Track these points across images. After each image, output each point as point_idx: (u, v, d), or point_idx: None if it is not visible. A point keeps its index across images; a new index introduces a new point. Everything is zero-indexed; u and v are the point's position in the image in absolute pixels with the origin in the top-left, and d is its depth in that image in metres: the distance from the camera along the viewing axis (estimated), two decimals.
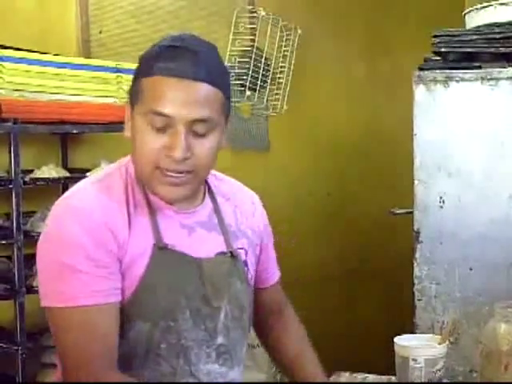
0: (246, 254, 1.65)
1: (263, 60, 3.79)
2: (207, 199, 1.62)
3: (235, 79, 3.63)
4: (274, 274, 1.80)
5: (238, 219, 1.67)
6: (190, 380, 1.52)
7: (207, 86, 1.44)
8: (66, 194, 1.53)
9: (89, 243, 1.42)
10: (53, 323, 1.44)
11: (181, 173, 1.46)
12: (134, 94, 1.48)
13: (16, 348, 2.55)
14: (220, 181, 1.70)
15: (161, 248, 1.49)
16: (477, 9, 2.55)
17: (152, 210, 1.51)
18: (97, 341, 1.40)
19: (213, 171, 1.63)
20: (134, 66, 2.87)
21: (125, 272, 1.47)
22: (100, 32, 3.20)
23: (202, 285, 1.54)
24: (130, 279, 1.47)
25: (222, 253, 1.59)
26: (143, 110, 1.44)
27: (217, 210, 1.63)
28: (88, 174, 2.81)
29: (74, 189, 1.53)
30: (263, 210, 1.77)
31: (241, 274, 1.62)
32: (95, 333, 1.40)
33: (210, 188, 1.64)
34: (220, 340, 1.56)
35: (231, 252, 1.60)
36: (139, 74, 1.48)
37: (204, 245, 1.57)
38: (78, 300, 1.40)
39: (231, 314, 1.59)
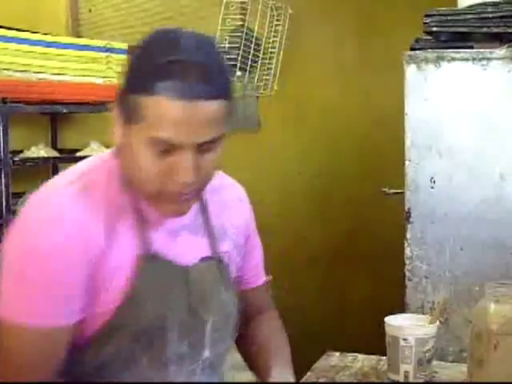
0: (230, 257, 1.55)
1: (254, 40, 3.76)
2: None
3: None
4: (256, 277, 1.68)
5: (223, 218, 1.55)
6: None
7: (217, 102, 1.29)
8: (41, 194, 1.38)
9: (57, 261, 1.30)
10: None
11: (188, 192, 1.35)
12: (129, 111, 1.31)
13: None
14: None
15: (147, 257, 1.38)
16: None
17: (138, 215, 1.39)
18: (38, 365, 1.32)
19: None
20: (123, 45, 2.90)
21: (103, 286, 1.35)
22: (90, 10, 3.18)
23: (189, 294, 1.43)
24: (113, 292, 1.36)
25: (208, 257, 1.49)
26: (143, 134, 1.29)
27: (203, 208, 1.52)
28: (78, 154, 2.80)
29: (50, 189, 1.39)
30: (250, 210, 1.66)
31: (225, 280, 1.52)
32: (37, 356, 1.32)
33: None
34: (206, 354, 1.47)
35: (218, 257, 1.51)
36: (135, 87, 1.30)
37: (189, 250, 1.46)
38: (33, 318, 1.30)
39: (218, 325, 1.49)
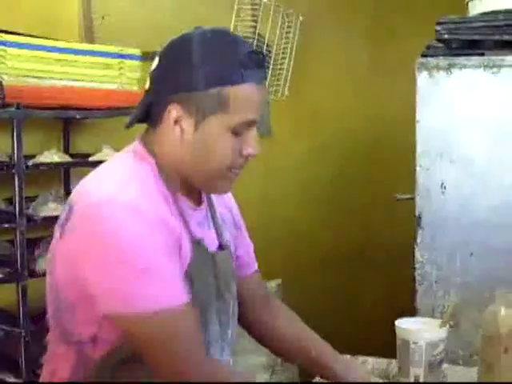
0: (231, 246, 1.66)
1: (265, 47, 3.78)
2: (203, 193, 1.62)
3: None
4: (251, 265, 1.78)
5: (220, 211, 1.67)
6: None
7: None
8: (104, 189, 1.40)
9: (158, 242, 1.38)
10: (135, 331, 1.36)
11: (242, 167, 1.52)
12: (209, 104, 1.43)
13: (19, 331, 2.56)
14: None
15: (196, 242, 1.50)
16: None
17: (178, 206, 1.49)
18: (188, 341, 1.37)
19: None
20: (136, 51, 2.91)
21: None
22: (103, 18, 3.20)
23: (217, 279, 1.55)
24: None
25: (221, 247, 1.60)
26: (231, 120, 1.44)
27: (210, 203, 1.64)
28: (90, 158, 2.81)
29: (111, 192, 1.39)
30: (234, 202, 1.77)
31: (233, 266, 1.64)
32: (184, 333, 1.37)
33: None
34: (229, 334, 1.58)
35: (227, 246, 1.62)
36: (218, 80, 1.43)
37: (210, 240, 1.57)
38: (160, 302, 1.35)
39: (235, 308, 1.61)
